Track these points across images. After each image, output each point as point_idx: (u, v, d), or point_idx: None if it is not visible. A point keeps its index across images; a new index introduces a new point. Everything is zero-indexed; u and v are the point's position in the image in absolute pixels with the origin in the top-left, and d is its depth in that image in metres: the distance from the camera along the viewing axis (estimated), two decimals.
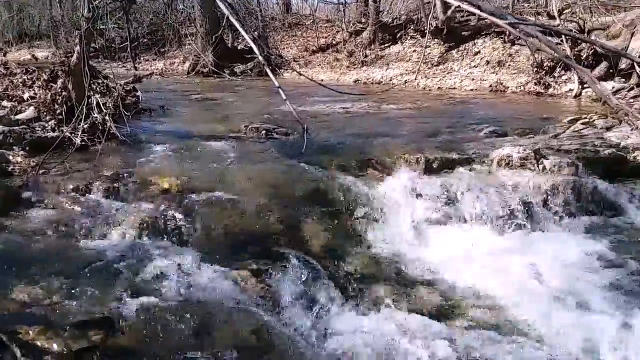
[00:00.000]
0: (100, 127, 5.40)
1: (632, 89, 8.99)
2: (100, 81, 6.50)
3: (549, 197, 4.81)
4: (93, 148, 5.15)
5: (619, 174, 5.38)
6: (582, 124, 6.34)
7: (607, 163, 5.41)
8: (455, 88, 12.83)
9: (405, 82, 14.07)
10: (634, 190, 5.15)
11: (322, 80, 10.76)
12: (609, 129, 6.08)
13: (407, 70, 14.81)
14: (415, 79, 13.72)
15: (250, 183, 4.41)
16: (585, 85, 9.84)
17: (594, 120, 6.38)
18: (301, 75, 11.68)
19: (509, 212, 4.64)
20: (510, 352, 3.14)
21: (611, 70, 9.84)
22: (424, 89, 13.33)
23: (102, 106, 5.59)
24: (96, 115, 5.49)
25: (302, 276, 3.49)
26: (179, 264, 3.24)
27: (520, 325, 3.43)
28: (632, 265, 4.07)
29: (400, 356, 2.99)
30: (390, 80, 14.33)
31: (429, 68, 14.22)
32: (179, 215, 3.82)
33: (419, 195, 4.68)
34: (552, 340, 3.26)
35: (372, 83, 14.81)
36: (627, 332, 3.28)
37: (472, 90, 12.44)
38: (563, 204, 4.84)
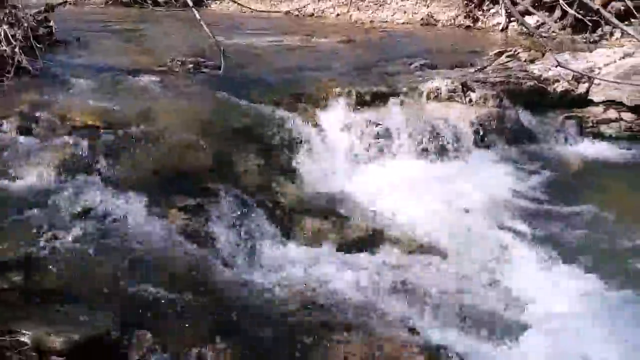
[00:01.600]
0: (10, 61, 4.96)
1: (555, 21, 9.26)
2: (7, 10, 5.91)
3: (475, 128, 4.97)
4: (2, 83, 4.74)
5: (540, 105, 5.61)
6: (507, 56, 6.49)
7: (529, 94, 5.62)
8: (386, 21, 12.73)
9: (338, 14, 13.79)
10: (553, 119, 5.41)
11: (252, 11, 10.32)
12: (532, 62, 6.26)
13: (339, 2, 14.48)
14: (348, 12, 13.47)
15: (177, 118, 4.24)
16: (512, 19, 10.03)
17: (518, 53, 6.54)
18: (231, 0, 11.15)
19: (437, 144, 4.77)
20: (435, 274, 3.30)
21: (536, 4, 10.05)
22: (356, 21, 13.14)
23: (10, 38, 5.11)
24: (4, 47, 5.03)
25: (235, 211, 3.46)
26: (102, 202, 3.11)
27: (446, 250, 3.60)
28: (551, 188, 4.41)
29: (330, 285, 3.07)
30: (322, 12, 14.00)
31: (362, 0, 13.97)
32: (101, 152, 3.62)
33: (350, 129, 4.70)
34: (471, 257, 3.47)
35: (304, 15, 14.42)
36: (538, 243, 3.67)
37: (403, 23, 12.39)
38: (488, 134, 5.03)
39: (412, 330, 2.88)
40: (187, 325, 2.49)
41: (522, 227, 3.89)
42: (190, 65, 5.74)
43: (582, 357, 2.71)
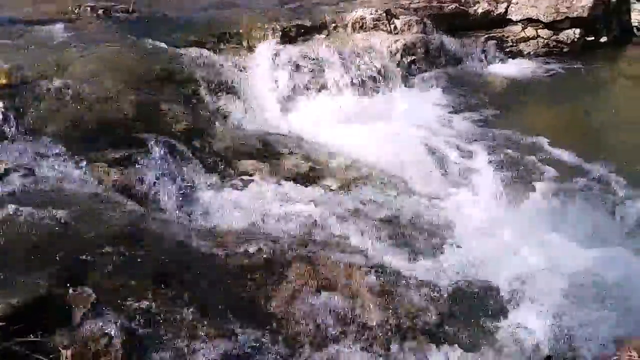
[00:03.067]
0: None
1: None
2: None
3: (402, 56, 5.00)
4: None
5: (461, 28, 5.70)
6: None
7: (452, 17, 5.68)
8: None
9: None
10: (475, 41, 5.53)
11: None
12: None
13: None
14: None
15: (93, 68, 4.00)
16: None
17: None
18: None
19: (366, 74, 4.78)
20: (373, 200, 3.40)
21: None
22: None
23: None
24: None
25: (166, 159, 3.37)
26: (23, 162, 2.94)
27: (382, 177, 3.70)
28: (477, 107, 4.60)
29: (271, 221, 3.10)
30: None
31: None
32: (13, 109, 3.38)
33: (279, 65, 4.61)
34: (405, 181, 3.60)
35: None
36: (469, 159, 3.88)
37: None
38: (415, 60, 5.09)
39: (355, 253, 2.99)
40: (128, 277, 2.46)
41: (453, 147, 4.04)
42: (101, 11, 5.37)
43: (500, 262, 2.91)
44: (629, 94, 5.31)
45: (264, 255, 2.88)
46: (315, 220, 3.21)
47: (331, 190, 3.59)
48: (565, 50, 5.89)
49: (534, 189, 3.55)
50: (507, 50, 5.72)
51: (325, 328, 2.58)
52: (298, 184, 3.61)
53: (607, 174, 3.77)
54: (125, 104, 3.76)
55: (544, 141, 4.14)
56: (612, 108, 5.04)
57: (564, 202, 3.43)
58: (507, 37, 5.76)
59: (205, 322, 2.36)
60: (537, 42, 5.84)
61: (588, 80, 5.50)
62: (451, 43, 5.35)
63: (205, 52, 4.53)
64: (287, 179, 3.63)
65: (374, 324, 2.63)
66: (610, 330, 2.37)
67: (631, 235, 3.18)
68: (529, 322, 2.59)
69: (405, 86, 4.87)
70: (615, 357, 0.94)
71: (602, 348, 2.19)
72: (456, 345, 2.52)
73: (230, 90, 4.33)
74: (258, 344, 2.36)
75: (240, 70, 4.50)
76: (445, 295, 2.82)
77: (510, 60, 5.69)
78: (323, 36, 5.10)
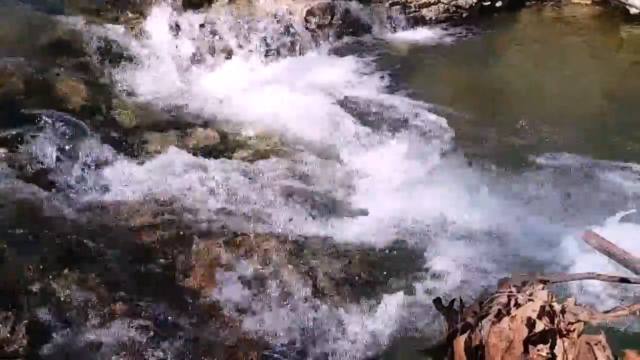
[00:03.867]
0: None
1: None
2: None
3: (308, 22, 4.97)
4: None
5: None
6: None
7: None
8: None
9: None
10: (380, 7, 5.58)
11: None
12: None
13: None
14: None
15: None
16: None
17: None
18: None
19: (272, 41, 4.71)
20: (286, 167, 3.41)
21: None
22: None
23: None
24: None
25: (64, 137, 3.17)
26: None
27: (294, 144, 3.71)
28: (384, 73, 4.68)
29: (182, 196, 3.04)
30: None
31: None
32: None
33: (180, 33, 4.44)
34: (316, 147, 3.65)
35: None
36: (376, 123, 3.98)
37: None
38: (321, 27, 5.07)
39: (268, 222, 3.01)
40: (30, 261, 2.33)
41: (361, 112, 4.11)
42: None
43: (406, 220, 3.06)
44: (523, 57, 5.62)
45: (175, 230, 2.83)
46: (228, 192, 3.18)
47: (243, 160, 3.55)
48: (464, 15, 6.10)
49: (436, 151, 3.71)
50: (411, 15, 5.83)
51: (244, 297, 2.59)
52: (209, 155, 3.54)
53: (503, 135, 4.01)
54: (14, 78, 3.48)
55: (445, 104, 4.31)
56: (508, 72, 5.32)
57: (462, 163, 3.62)
58: (410, 2, 5.86)
59: (116, 301, 2.29)
60: (438, 7, 6.00)
61: (486, 45, 5.75)
62: (357, 10, 5.37)
63: (102, 22, 4.26)
64: (197, 151, 3.54)
65: (293, 288, 2.67)
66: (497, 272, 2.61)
67: (519, 192, 3.41)
68: (435, 271, 2.74)
69: (312, 53, 4.86)
70: (497, 294, 1.02)
71: (488, 288, 2.37)
72: (374, 299, 2.61)
73: (131, 60, 4.11)
74: (172, 318, 2.33)
75: (140, 39, 4.28)
76: (358, 256, 2.92)
77: (415, 26, 5.80)
78: (225, 2, 4.93)
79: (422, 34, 5.75)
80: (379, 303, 2.57)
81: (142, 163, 3.30)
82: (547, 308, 0.99)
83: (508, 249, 2.91)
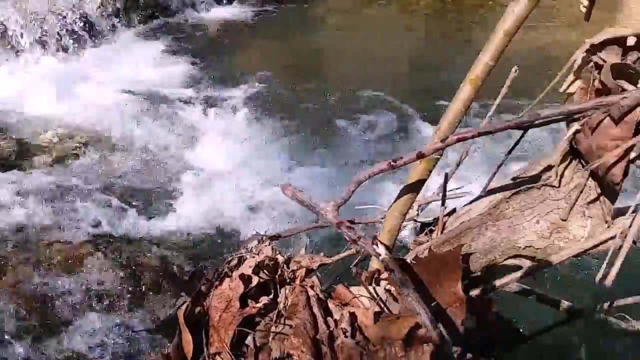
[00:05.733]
0: None
1: None
2: None
3: (104, 9, 4.65)
4: None
5: None
6: None
7: None
8: None
9: None
10: None
11: None
12: None
13: None
14: None
15: None
16: None
17: None
18: None
19: (68, 32, 4.35)
20: (102, 166, 3.27)
21: None
22: None
23: None
24: None
25: None
26: None
27: (109, 140, 3.52)
28: (194, 55, 4.59)
29: None
30: None
31: None
32: None
33: None
34: (130, 141, 3.51)
35: None
36: (190, 108, 3.90)
37: None
38: (121, 13, 4.78)
39: (83, 227, 2.85)
40: None
41: (173, 98, 3.99)
42: None
43: (232, 202, 3.09)
44: (339, 27, 5.84)
45: None
46: (29, 203, 2.94)
47: (45, 166, 3.29)
48: None
49: (255, 128, 3.75)
50: None
51: (63, 309, 2.45)
52: (6, 168, 3.23)
53: (324, 102, 4.14)
54: None
55: (262, 79, 4.34)
56: (322, 42, 5.50)
57: (278, 136, 3.70)
58: None
59: None
60: None
61: (299, 18, 5.87)
62: None
63: None
64: None
65: (114, 290, 2.58)
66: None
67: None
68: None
69: (115, 41, 4.58)
70: (230, 258, 1.07)
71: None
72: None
73: None
74: None
75: None
76: (182, 245, 2.89)
77: (223, 6, 5.74)
78: None
79: (233, 12, 5.72)
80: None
81: None
82: (269, 262, 1.06)
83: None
